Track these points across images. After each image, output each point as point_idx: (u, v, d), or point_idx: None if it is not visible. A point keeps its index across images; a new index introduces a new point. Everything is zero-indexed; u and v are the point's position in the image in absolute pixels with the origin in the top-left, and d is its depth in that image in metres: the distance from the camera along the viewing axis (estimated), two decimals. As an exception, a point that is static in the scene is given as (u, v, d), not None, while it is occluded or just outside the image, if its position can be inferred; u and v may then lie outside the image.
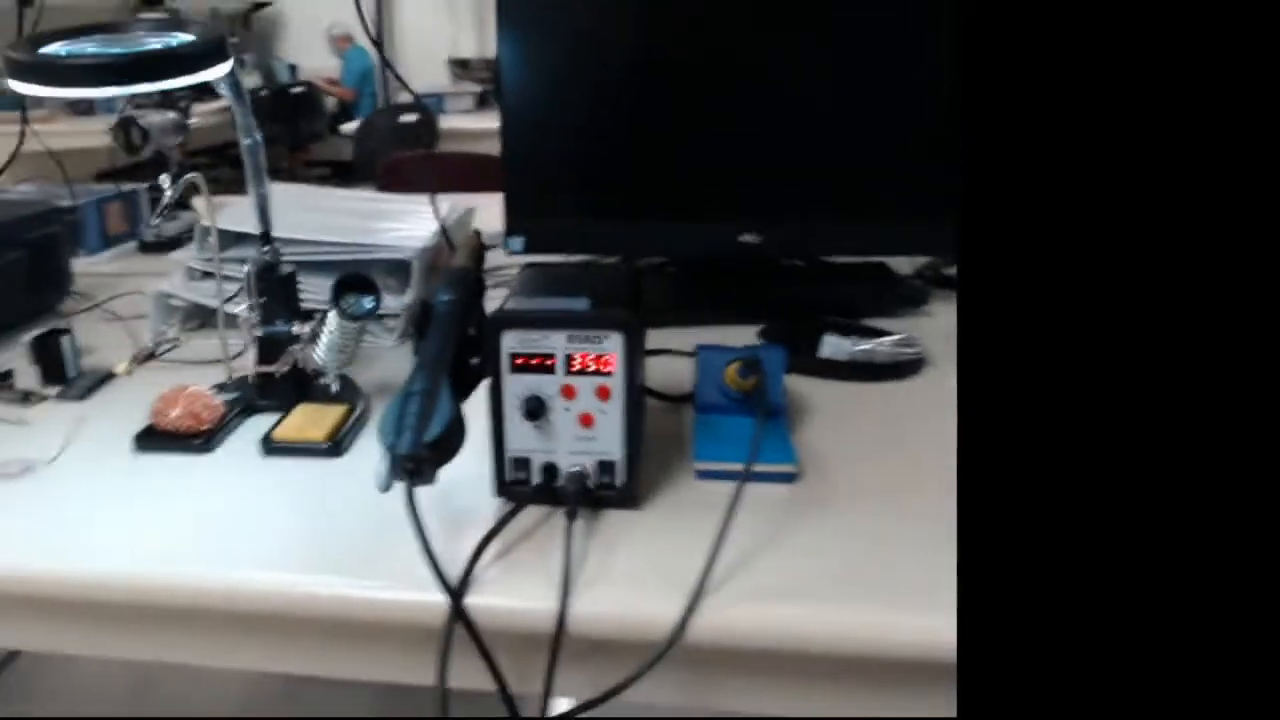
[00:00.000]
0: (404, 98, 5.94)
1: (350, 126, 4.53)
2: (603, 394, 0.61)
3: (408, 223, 1.08)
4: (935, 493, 0.66)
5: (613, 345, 0.60)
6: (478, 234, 0.73)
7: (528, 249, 1.11)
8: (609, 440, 0.62)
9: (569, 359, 0.61)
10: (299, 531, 0.62)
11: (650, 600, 0.54)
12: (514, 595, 0.55)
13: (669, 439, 0.73)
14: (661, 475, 0.68)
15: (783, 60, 1.01)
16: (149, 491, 0.67)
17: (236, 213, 1.15)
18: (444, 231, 1.05)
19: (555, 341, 0.61)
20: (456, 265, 0.68)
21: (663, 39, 1.03)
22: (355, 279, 0.72)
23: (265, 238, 0.78)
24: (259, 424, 0.76)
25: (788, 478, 0.67)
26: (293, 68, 7.12)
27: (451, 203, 1.19)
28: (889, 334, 0.90)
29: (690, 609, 0.53)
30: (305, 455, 0.71)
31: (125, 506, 0.65)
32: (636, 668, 0.52)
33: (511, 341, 0.61)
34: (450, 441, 0.58)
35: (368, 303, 0.72)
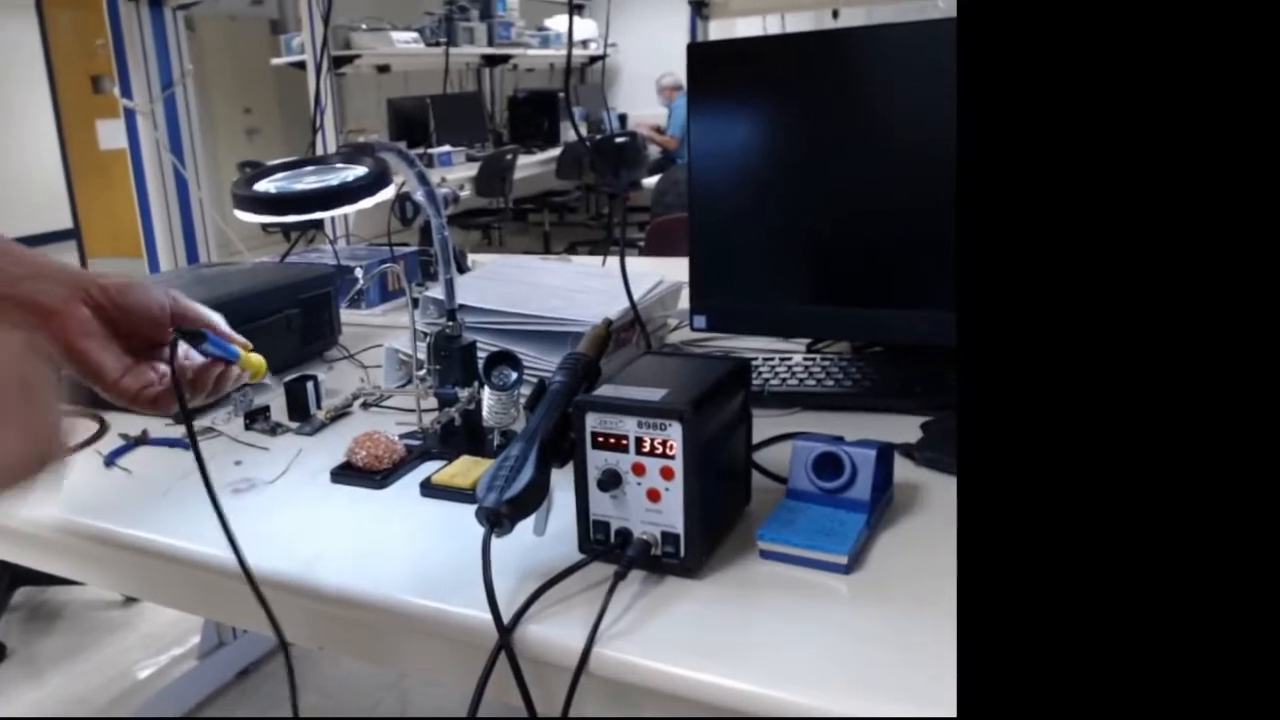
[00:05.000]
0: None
1: (651, 181, 4.87)
2: (666, 474, 0.75)
3: (606, 298, 1.26)
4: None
5: (674, 433, 0.74)
6: (608, 323, 0.89)
7: (711, 327, 1.26)
8: (673, 514, 0.75)
9: (639, 441, 0.75)
10: (420, 559, 0.81)
11: (665, 656, 0.67)
12: (556, 632, 0.70)
13: (765, 520, 0.85)
14: (736, 550, 0.80)
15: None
16: (328, 515, 0.89)
17: (470, 282, 1.39)
18: (634, 308, 1.23)
19: (628, 425, 0.75)
20: (576, 351, 0.84)
21: (824, 141, 1.15)
22: (504, 355, 0.90)
23: (451, 315, 0.99)
24: (432, 468, 0.96)
25: (840, 568, 0.76)
26: (622, 117, 7.73)
27: (667, 276, 1.37)
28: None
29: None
30: (453, 499, 0.90)
31: (307, 524, 0.88)
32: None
33: (593, 421, 0.76)
34: (527, 502, 0.74)
35: (511, 375, 0.90)
